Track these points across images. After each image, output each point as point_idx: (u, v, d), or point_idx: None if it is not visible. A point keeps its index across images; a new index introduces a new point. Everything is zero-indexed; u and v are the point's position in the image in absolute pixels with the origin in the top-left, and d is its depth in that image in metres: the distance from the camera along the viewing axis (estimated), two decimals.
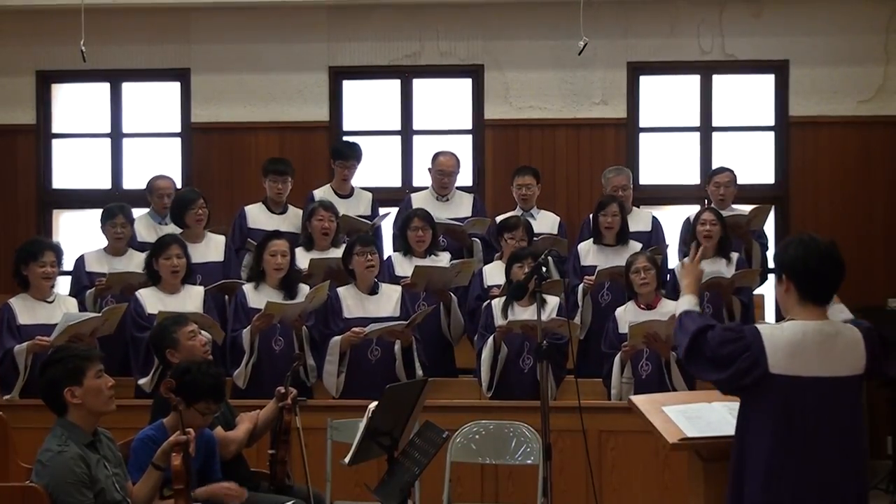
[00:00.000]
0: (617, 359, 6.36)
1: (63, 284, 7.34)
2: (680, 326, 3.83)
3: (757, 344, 3.60)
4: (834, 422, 3.59)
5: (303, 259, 7.13)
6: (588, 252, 7.36)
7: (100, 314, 6.43)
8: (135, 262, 7.17)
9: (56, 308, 6.47)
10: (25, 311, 6.47)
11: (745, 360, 3.60)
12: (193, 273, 6.89)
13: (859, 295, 7.52)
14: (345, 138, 8.92)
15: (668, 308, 6.42)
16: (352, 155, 7.99)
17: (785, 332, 3.64)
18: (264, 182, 7.85)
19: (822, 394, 3.58)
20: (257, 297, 6.62)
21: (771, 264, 8.60)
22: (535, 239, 7.28)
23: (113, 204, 7.44)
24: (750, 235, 7.59)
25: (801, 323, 3.65)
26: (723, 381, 3.68)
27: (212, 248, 7.32)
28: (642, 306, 6.50)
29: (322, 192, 7.95)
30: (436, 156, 8.05)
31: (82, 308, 6.78)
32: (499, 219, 7.60)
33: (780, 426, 3.57)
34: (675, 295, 7.02)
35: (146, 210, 7.96)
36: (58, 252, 6.59)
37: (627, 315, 6.52)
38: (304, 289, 6.74)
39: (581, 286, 7.12)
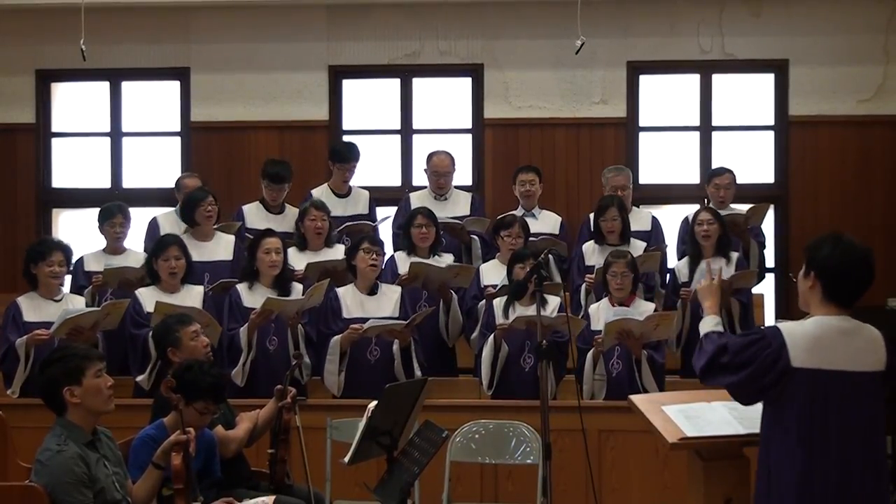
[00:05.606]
0: (589, 355, 6.39)
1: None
2: (700, 349, 3.82)
3: (777, 339, 3.60)
4: (857, 416, 3.59)
5: (296, 260, 7.12)
6: (592, 252, 7.37)
7: (99, 308, 6.45)
8: (132, 261, 7.17)
9: (63, 306, 6.49)
10: (32, 308, 6.51)
11: (766, 356, 3.59)
12: (200, 271, 6.90)
13: None
14: (344, 138, 8.92)
15: (642, 308, 6.52)
16: (351, 157, 7.98)
17: (805, 327, 3.65)
18: (262, 182, 7.83)
19: (845, 387, 3.58)
20: (251, 296, 6.61)
21: (769, 263, 8.65)
22: (532, 239, 7.27)
23: (111, 203, 7.43)
24: (748, 234, 7.59)
25: (822, 318, 3.66)
26: (743, 380, 3.64)
27: (221, 246, 7.31)
28: (615, 304, 6.54)
29: (320, 192, 7.93)
30: (430, 156, 8.03)
31: (89, 305, 6.79)
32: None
33: (805, 421, 3.57)
34: (674, 297, 7.07)
35: (172, 209, 7.85)
36: (66, 252, 6.62)
37: (601, 312, 6.58)
38: (298, 287, 6.74)
39: (583, 286, 7.13)
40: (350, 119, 9.36)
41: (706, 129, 9.17)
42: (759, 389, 3.64)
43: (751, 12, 9.04)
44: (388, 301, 6.68)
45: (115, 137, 9.43)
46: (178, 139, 9.40)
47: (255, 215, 7.81)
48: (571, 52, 8.05)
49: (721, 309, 3.92)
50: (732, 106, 9.18)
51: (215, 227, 7.41)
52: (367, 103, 9.38)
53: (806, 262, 3.74)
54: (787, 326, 3.67)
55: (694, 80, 9.19)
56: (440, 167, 7.93)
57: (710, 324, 3.91)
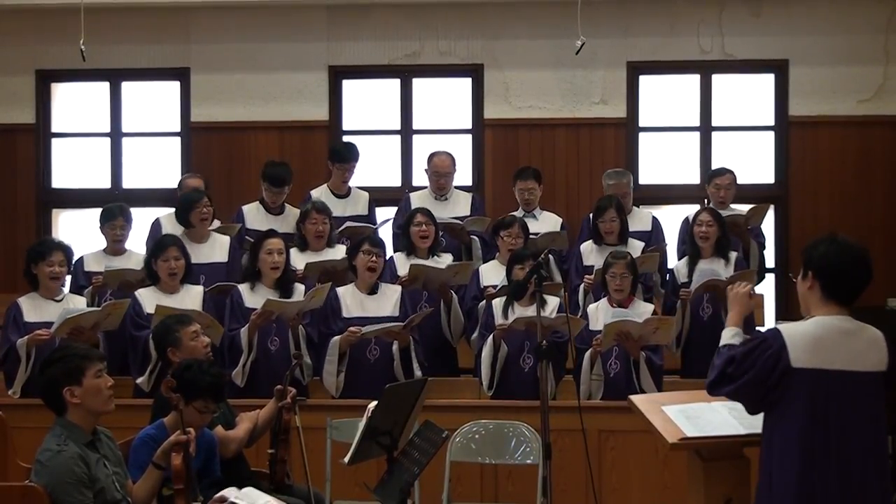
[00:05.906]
0: (587, 355, 6.40)
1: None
2: (712, 365, 3.82)
3: (777, 341, 3.61)
4: (857, 416, 3.60)
5: (297, 260, 7.12)
6: (590, 252, 7.37)
7: (100, 308, 6.46)
8: (133, 262, 7.17)
9: (63, 306, 6.49)
10: (32, 308, 6.52)
11: (767, 359, 3.60)
12: (196, 273, 6.89)
13: None
14: (344, 138, 8.93)
15: (641, 309, 6.52)
16: (350, 157, 7.98)
17: (805, 327, 3.66)
18: (262, 184, 7.82)
19: (846, 387, 3.59)
20: (253, 297, 6.61)
21: (769, 264, 8.65)
22: (533, 236, 7.27)
23: (112, 204, 7.42)
24: (748, 234, 7.59)
25: (823, 318, 3.67)
26: (743, 386, 3.64)
27: (216, 248, 7.30)
28: (614, 305, 6.54)
29: (319, 192, 7.93)
30: (431, 156, 8.03)
31: (89, 305, 6.79)
32: None
33: (806, 422, 3.58)
34: (673, 297, 7.05)
35: (172, 210, 7.85)
36: (67, 252, 6.63)
37: (599, 312, 6.59)
38: (300, 288, 6.73)
39: (582, 286, 7.13)
40: (350, 119, 9.36)
41: (706, 129, 9.17)
42: (764, 394, 3.64)
43: (751, 12, 9.05)
44: (388, 301, 6.68)
45: (115, 138, 9.43)
46: (178, 139, 9.40)
47: (254, 216, 7.80)
48: (571, 52, 8.06)
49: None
50: (732, 106, 9.19)
51: (215, 228, 7.41)
52: (367, 103, 9.39)
53: (803, 264, 3.77)
54: (787, 327, 3.68)
55: (694, 80, 9.19)
56: (441, 168, 7.93)
57: (727, 336, 3.90)
